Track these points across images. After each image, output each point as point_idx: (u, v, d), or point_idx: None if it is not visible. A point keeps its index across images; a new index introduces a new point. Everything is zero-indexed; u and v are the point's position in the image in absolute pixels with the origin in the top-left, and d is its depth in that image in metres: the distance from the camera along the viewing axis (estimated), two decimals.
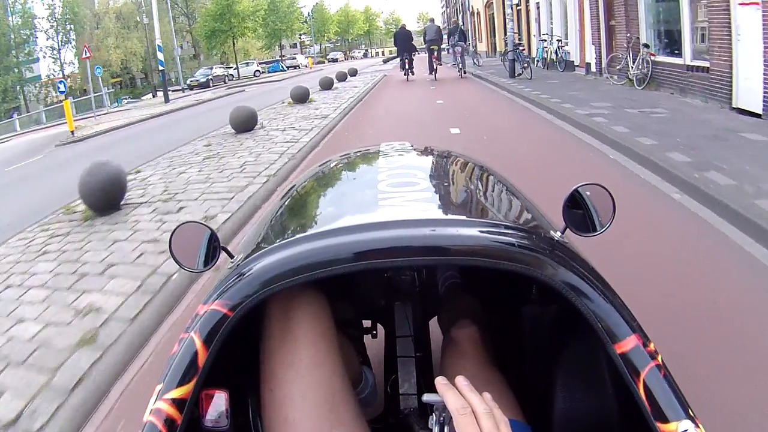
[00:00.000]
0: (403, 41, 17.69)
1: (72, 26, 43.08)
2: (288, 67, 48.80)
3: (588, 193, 1.08)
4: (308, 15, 64.00)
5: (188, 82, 38.02)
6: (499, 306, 1.55)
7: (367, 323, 1.76)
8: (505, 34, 24.56)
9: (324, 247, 0.95)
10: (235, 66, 43.92)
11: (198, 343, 0.89)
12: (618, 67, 11.46)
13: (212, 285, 1.04)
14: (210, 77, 37.50)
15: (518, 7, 21.28)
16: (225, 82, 38.44)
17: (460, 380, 0.76)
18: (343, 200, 1.44)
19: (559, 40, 15.68)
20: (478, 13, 30.65)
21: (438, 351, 1.44)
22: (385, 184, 1.30)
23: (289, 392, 0.96)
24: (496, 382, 1.14)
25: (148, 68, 50.08)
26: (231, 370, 1.02)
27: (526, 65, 13.76)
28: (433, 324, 1.70)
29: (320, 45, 73.75)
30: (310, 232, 1.09)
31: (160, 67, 22.84)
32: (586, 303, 0.91)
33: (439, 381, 0.75)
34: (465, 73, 17.47)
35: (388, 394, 1.49)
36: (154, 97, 39.98)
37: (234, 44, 43.79)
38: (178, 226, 1.09)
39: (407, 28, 19.08)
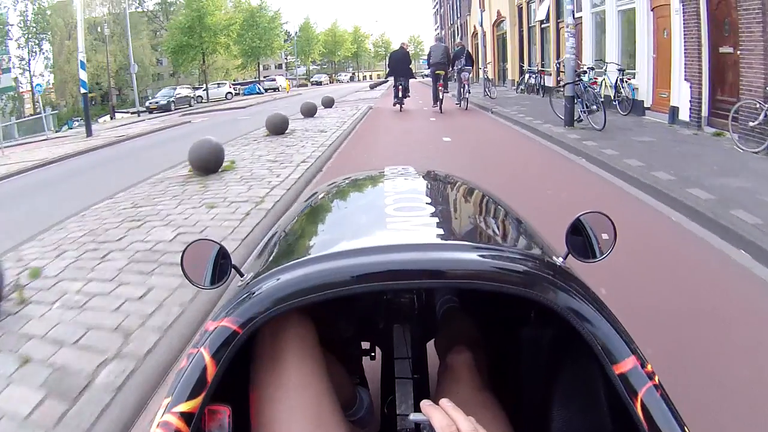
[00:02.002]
0: (399, 64, 14.66)
1: (46, 35, 40.89)
2: (266, 90, 44.29)
3: (590, 221, 1.11)
4: (295, 34, 59.53)
5: (147, 104, 33.03)
6: (496, 329, 1.56)
7: (365, 345, 1.76)
8: (522, 59, 19.78)
9: (334, 268, 0.97)
10: (204, 87, 38.88)
11: (207, 359, 0.90)
12: (751, 124, 6.68)
13: (221, 302, 1.07)
14: (172, 99, 32.41)
15: (543, 25, 16.54)
16: (190, 105, 33.50)
17: (444, 401, 0.79)
18: (351, 223, 1.45)
19: (620, 70, 10.80)
20: (484, 35, 25.98)
21: (435, 372, 1.45)
22: (392, 208, 1.33)
23: (276, 411, 0.97)
24: (490, 406, 1.14)
25: (124, 83, 48.06)
26: (234, 386, 1.02)
27: (596, 107, 8.77)
28: (431, 346, 1.66)
29: (306, 66, 69.41)
30: (321, 253, 1.10)
31: (82, 90, 17.58)
32: (587, 326, 0.92)
33: (425, 403, 0.79)
34: (468, 103, 14.66)
35: (385, 415, 1.47)
36: (112, 119, 35.60)
37: (204, 61, 38.76)
38: (191, 243, 1.10)
39: (407, 48, 15.30)
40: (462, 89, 14.78)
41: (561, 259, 1.06)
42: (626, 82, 10.61)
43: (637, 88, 10.61)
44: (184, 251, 1.08)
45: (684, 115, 9.09)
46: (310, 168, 6.71)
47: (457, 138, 9.26)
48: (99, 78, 43.27)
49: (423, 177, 1.85)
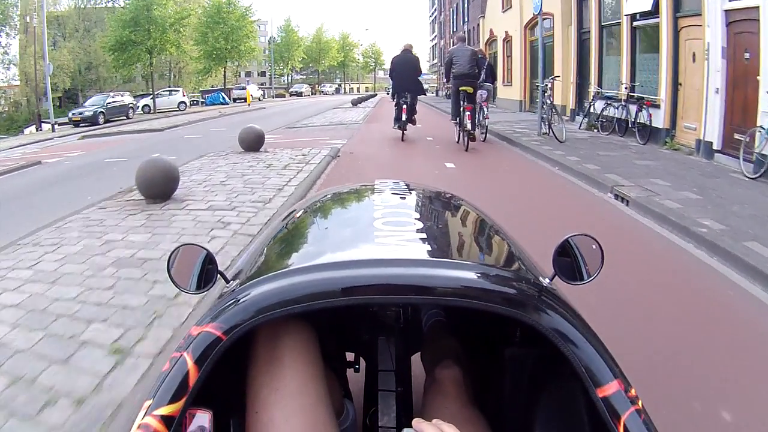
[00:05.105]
0: (404, 73, 9.95)
1: (3, 29, 34.80)
2: (235, 99, 37.41)
3: (578, 243, 1.09)
4: (277, 37, 52.71)
5: (70, 114, 25.96)
6: (482, 346, 1.55)
7: (350, 356, 1.74)
8: (582, 76, 12.56)
9: (320, 279, 0.97)
10: (151, 94, 31.75)
11: (190, 363, 0.90)
12: None
13: (206, 307, 1.06)
14: (102, 109, 25.09)
15: (637, 22, 9.75)
16: (128, 117, 26.44)
17: (436, 421, 0.78)
18: (339, 235, 1.44)
19: None
20: (508, 41, 19.25)
21: (419, 386, 1.48)
22: (380, 222, 1.32)
23: (273, 416, 0.96)
24: (476, 422, 1.14)
25: (86, 84, 42.63)
26: (216, 391, 1.01)
27: None
28: (415, 359, 1.66)
29: (288, 75, 62.64)
30: (307, 264, 1.10)
31: None
32: (572, 348, 0.91)
33: (416, 420, 0.79)
34: (485, 134, 9.96)
35: (367, 427, 1.46)
36: (38, 130, 28.40)
37: (152, 62, 31.56)
38: (177, 247, 1.11)
39: (413, 52, 10.41)
40: (480, 114, 9.73)
41: (547, 280, 1.05)
42: None
43: None
44: (170, 255, 1.09)
45: None
46: None
47: None
48: (55, 78, 37.14)
49: (414, 191, 1.84)
